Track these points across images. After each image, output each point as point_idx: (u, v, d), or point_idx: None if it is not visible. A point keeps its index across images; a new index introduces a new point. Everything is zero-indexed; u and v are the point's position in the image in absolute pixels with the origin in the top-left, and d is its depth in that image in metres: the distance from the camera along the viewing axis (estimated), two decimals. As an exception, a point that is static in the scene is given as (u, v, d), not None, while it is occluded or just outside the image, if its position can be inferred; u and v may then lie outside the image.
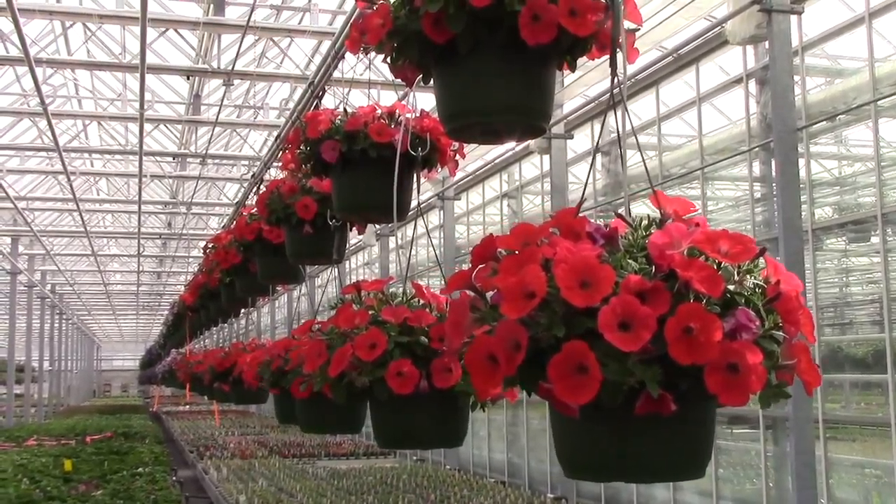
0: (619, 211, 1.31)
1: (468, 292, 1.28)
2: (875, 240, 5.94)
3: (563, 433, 1.24)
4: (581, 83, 7.93)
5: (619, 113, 1.54)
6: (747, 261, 1.18)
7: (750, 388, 1.10)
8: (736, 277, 1.17)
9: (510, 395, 1.38)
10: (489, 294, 1.26)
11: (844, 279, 7.09)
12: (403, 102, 2.84)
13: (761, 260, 1.21)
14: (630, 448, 1.17)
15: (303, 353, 2.33)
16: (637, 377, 1.10)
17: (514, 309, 1.13)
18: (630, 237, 1.24)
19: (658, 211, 1.30)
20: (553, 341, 1.13)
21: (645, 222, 1.27)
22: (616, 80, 1.58)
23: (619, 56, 1.60)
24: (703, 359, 1.09)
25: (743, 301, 1.16)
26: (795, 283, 1.19)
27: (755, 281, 1.19)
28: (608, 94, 1.60)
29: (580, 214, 1.28)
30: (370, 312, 2.13)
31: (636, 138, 1.85)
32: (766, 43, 5.79)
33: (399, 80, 1.91)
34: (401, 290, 2.28)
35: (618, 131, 1.60)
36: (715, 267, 1.15)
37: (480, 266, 1.28)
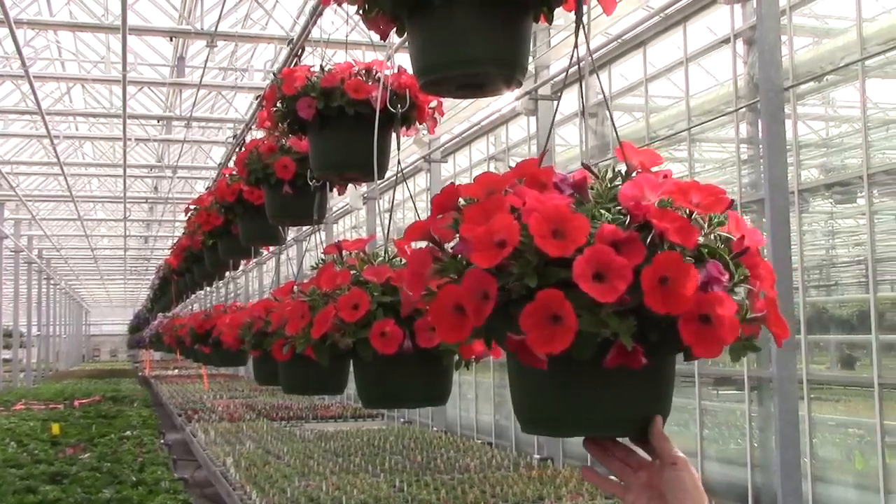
0: (586, 162, 1.27)
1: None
2: (861, 201, 5.92)
3: (522, 386, 1.22)
4: (568, 44, 7.86)
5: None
6: (719, 212, 1.16)
7: (723, 340, 1.08)
8: (706, 230, 1.15)
9: (494, 352, 1.35)
10: (448, 245, 1.23)
11: (830, 241, 7.08)
12: (381, 59, 2.79)
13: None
14: (590, 402, 1.15)
15: (285, 314, 2.30)
16: (611, 329, 1.08)
17: (484, 258, 1.11)
18: (597, 188, 1.21)
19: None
20: (524, 291, 1.10)
21: (610, 174, 1.24)
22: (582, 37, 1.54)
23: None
24: (679, 309, 1.07)
25: (715, 255, 1.14)
26: (758, 239, 1.17)
27: (720, 234, 1.17)
28: (580, 59, 1.56)
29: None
30: (352, 272, 2.11)
31: (607, 103, 1.81)
32: (754, 2, 5.73)
33: (373, 32, 1.86)
34: (383, 250, 2.25)
35: (580, 99, 1.56)
36: (687, 218, 1.12)
37: (439, 216, 1.24)
